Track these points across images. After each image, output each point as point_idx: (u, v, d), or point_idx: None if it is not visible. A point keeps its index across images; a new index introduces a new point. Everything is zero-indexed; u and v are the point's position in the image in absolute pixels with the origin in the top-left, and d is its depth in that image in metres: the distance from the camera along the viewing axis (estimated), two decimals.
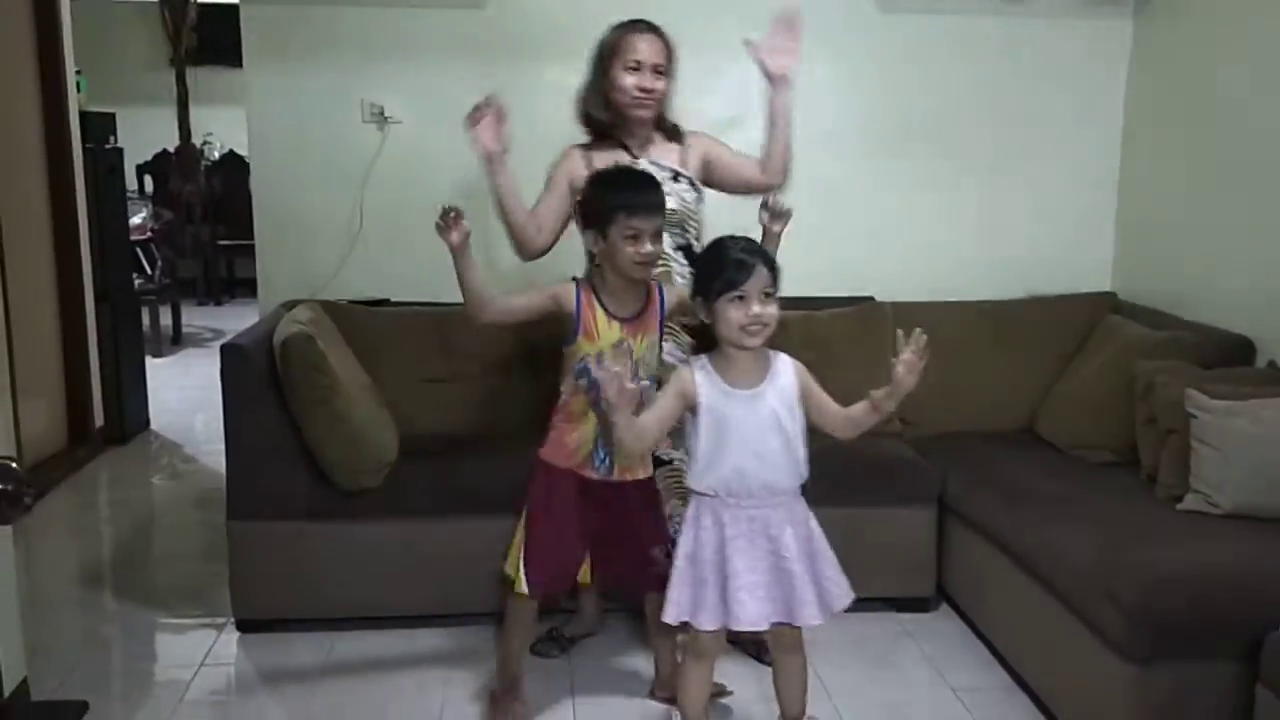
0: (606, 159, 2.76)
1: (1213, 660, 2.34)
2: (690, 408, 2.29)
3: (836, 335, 3.52)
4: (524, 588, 2.63)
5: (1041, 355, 3.62)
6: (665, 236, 2.67)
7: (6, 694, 2.59)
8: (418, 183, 3.61)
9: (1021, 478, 3.11)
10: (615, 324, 2.51)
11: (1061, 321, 3.68)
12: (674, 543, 2.46)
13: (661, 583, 2.51)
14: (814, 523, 2.39)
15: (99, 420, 5.03)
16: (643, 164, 2.77)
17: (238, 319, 6.24)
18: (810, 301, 3.51)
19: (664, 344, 2.72)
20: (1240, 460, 2.69)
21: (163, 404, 5.59)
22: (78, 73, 4.99)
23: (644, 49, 2.75)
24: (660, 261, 2.65)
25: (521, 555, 2.63)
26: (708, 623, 2.31)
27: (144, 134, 8.11)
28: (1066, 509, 2.85)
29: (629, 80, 2.74)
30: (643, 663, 2.96)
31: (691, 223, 2.83)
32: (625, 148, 2.81)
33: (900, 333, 2.27)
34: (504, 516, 2.92)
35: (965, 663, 3.04)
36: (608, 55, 2.77)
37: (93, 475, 4.76)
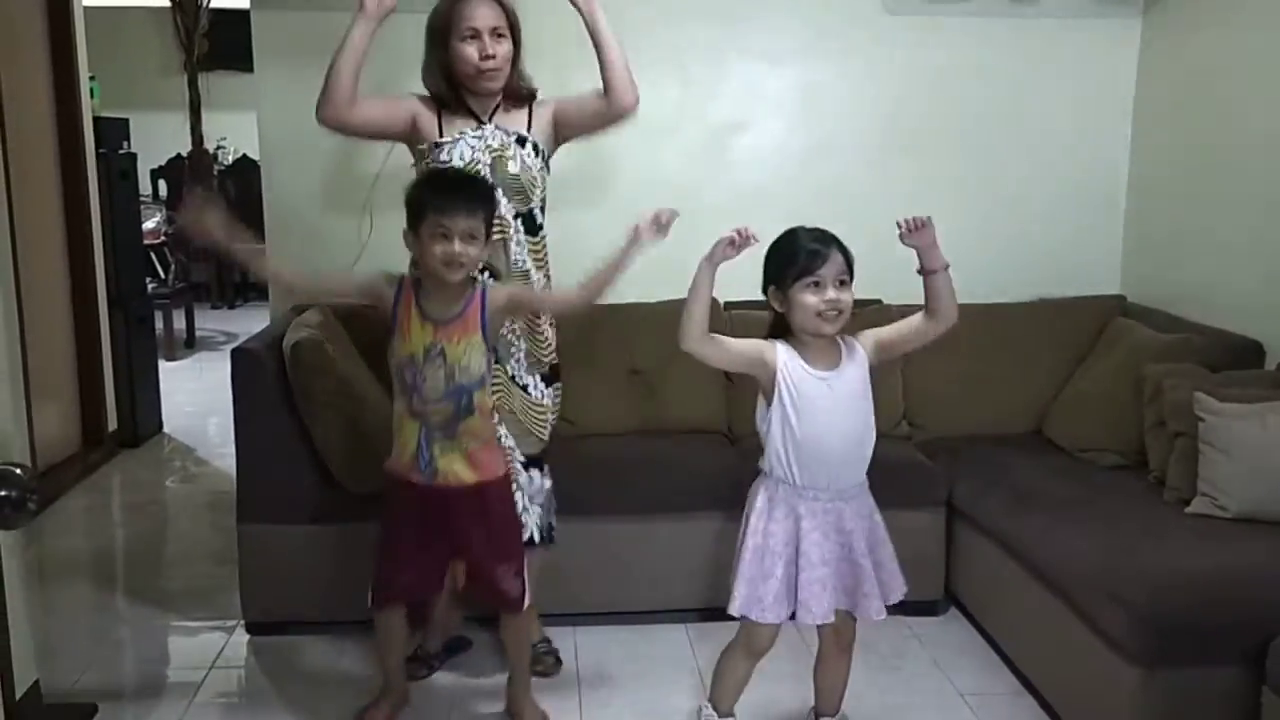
0: (453, 122, 2.72)
1: (1220, 664, 2.33)
2: (766, 386, 2.28)
3: (852, 331, 3.52)
4: (368, 600, 2.61)
5: (1050, 358, 3.61)
6: (505, 203, 2.66)
7: (18, 696, 2.61)
8: None
9: (1029, 481, 3.10)
10: (429, 325, 2.44)
11: (1070, 324, 3.67)
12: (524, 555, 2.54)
13: (511, 603, 2.54)
14: (878, 515, 2.40)
15: (112, 424, 5.06)
16: (489, 129, 2.70)
17: (250, 323, 6.27)
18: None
19: (511, 363, 2.73)
20: (1248, 464, 2.68)
21: (175, 407, 5.62)
22: (91, 78, 5.02)
23: (480, 14, 2.64)
24: (498, 227, 2.61)
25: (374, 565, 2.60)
26: (771, 616, 2.30)
27: (157, 139, 8.15)
28: (1074, 512, 2.84)
29: (469, 50, 2.63)
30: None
31: (535, 190, 2.75)
32: (473, 115, 2.74)
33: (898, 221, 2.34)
34: None
35: (973, 666, 3.03)
36: (444, 27, 2.67)
37: (105, 478, 4.79)
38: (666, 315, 3.49)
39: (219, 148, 8.99)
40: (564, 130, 2.84)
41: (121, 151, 5.30)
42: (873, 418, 2.34)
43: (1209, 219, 3.52)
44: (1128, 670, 2.37)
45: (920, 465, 3.30)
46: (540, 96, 2.83)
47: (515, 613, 2.62)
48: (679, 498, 3.17)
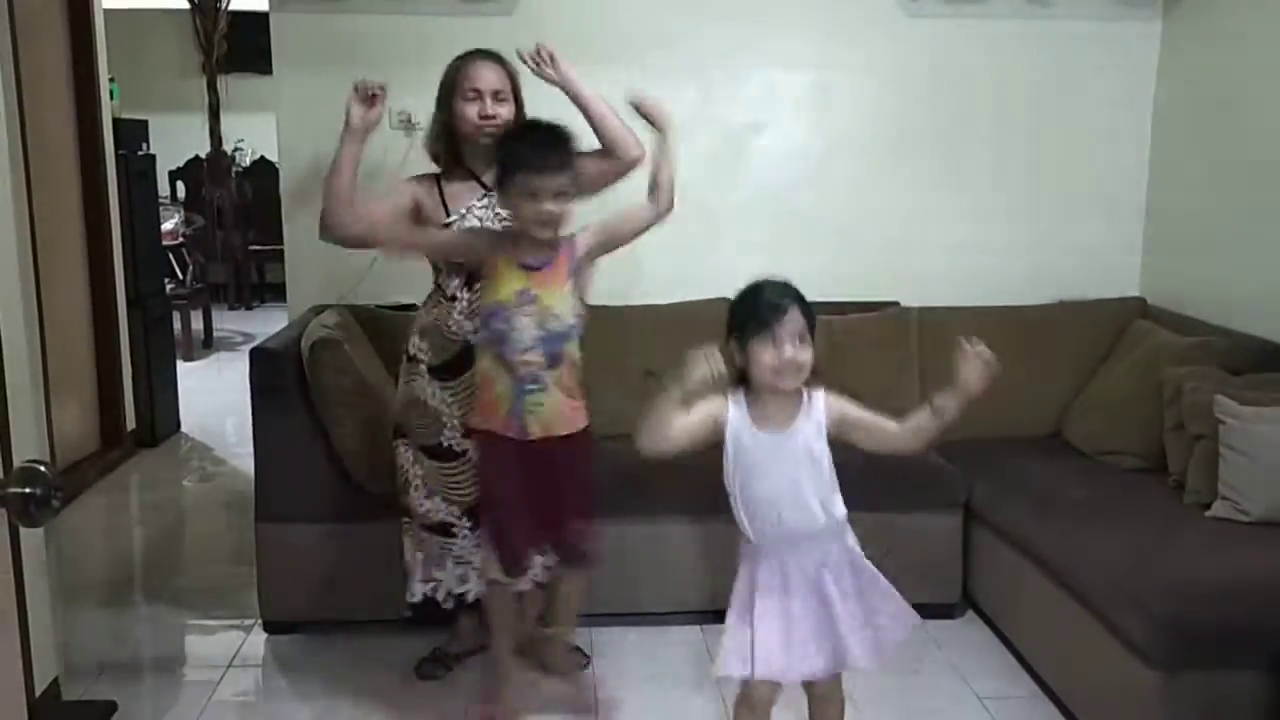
0: (458, 195, 2.74)
1: (1240, 669, 2.32)
2: (720, 437, 2.23)
3: (862, 340, 3.52)
4: (493, 572, 2.61)
5: (1069, 360, 3.60)
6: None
7: (38, 693, 2.62)
8: None
9: (1048, 484, 3.09)
10: (520, 271, 2.47)
11: (1090, 327, 3.66)
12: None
13: (586, 558, 2.55)
14: (860, 559, 2.28)
15: (130, 423, 5.09)
16: (494, 198, 2.69)
17: (268, 323, 6.29)
18: (835, 306, 3.49)
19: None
20: (1269, 467, 2.67)
21: (193, 407, 5.64)
22: (111, 80, 5.06)
23: (483, 77, 2.70)
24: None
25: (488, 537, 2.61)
26: (762, 672, 2.22)
27: (176, 140, 8.21)
28: (1094, 515, 2.83)
29: (470, 109, 2.69)
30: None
31: None
32: (476, 178, 2.76)
33: (961, 340, 2.19)
34: None
35: (991, 670, 3.02)
36: (449, 87, 2.73)
37: (124, 477, 4.81)
38: (681, 316, 3.51)
39: (237, 149, 9.02)
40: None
41: (140, 153, 5.33)
42: (828, 478, 2.23)
43: (1229, 221, 3.50)
44: (1147, 674, 2.36)
45: (938, 468, 3.29)
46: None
47: (588, 568, 2.65)
48: (693, 500, 3.15)
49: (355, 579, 3.13)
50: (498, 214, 2.70)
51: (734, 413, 2.22)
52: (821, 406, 2.23)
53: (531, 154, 2.42)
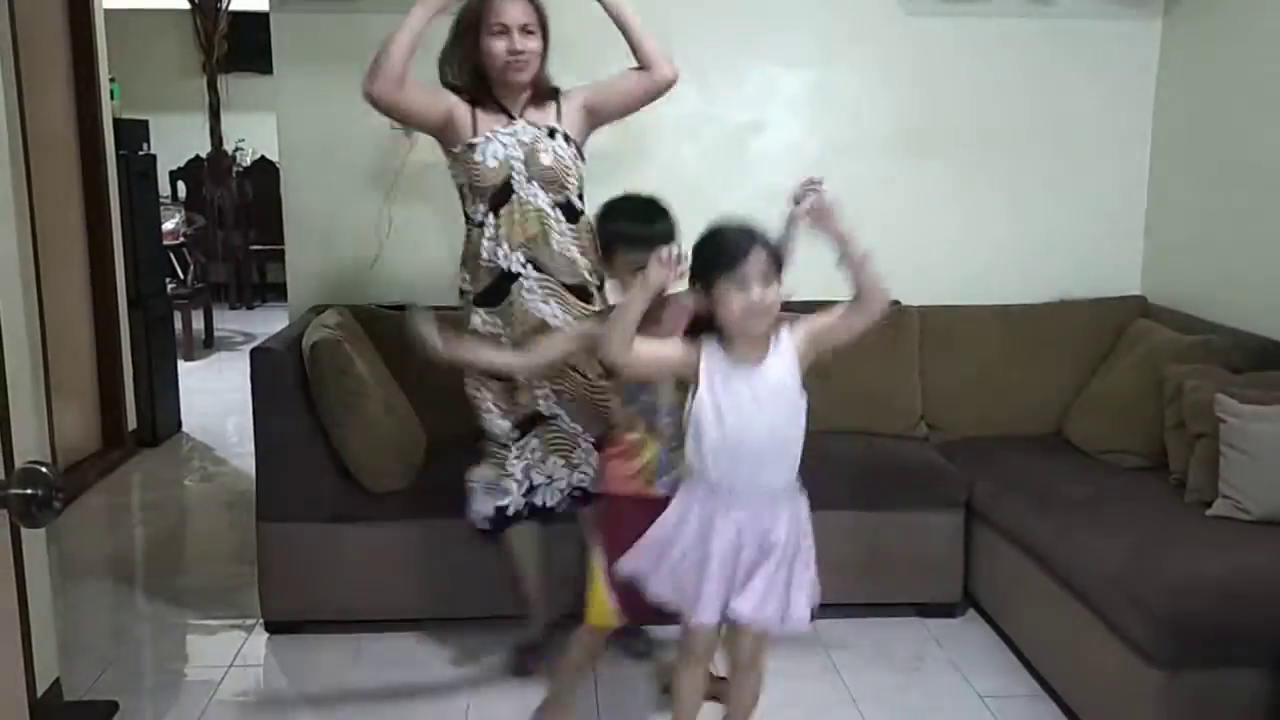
0: (486, 120, 2.74)
1: (1241, 667, 2.32)
2: (688, 378, 2.20)
3: (862, 340, 3.50)
4: (608, 618, 2.50)
5: (1070, 359, 3.60)
6: (541, 194, 2.70)
7: (40, 693, 2.62)
8: (444, 189, 3.62)
9: (1049, 482, 3.09)
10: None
11: (1090, 325, 3.66)
12: None
13: None
14: (807, 524, 2.26)
15: (131, 423, 5.09)
16: (519, 124, 2.74)
17: (268, 323, 6.30)
18: (836, 305, 3.49)
19: (551, 304, 2.73)
20: (1270, 465, 2.67)
21: (194, 407, 5.64)
22: (111, 80, 5.06)
23: (510, 11, 2.67)
24: (536, 215, 2.70)
25: (605, 585, 2.47)
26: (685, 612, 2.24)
27: (176, 140, 8.21)
28: (1094, 514, 2.83)
29: (499, 45, 2.67)
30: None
31: (570, 179, 2.77)
32: (504, 109, 2.76)
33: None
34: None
35: (992, 669, 3.02)
36: (473, 21, 2.71)
37: (125, 477, 4.81)
38: None
39: (238, 149, 9.02)
40: (599, 115, 2.87)
41: (141, 153, 5.33)
42: (800, 421, 2.20)
43: (1230, 220, 3.49)
44: (1148, 673, 2.36)
45: (939, 466, 3.29)
46: (565, 88, 2.85)
47: None
48: None
49: (357, 579, 3.13)
50: (520, 142, 2.72)
51: (708, 355, 2.18)
52: (788, 339, 2.20)
53: (633, 227, 2.44)
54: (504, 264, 2.72)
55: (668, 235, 2.39)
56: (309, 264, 3.74)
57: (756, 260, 2.10)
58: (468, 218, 2.83)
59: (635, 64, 2.81)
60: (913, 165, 3.85)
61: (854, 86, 3.82)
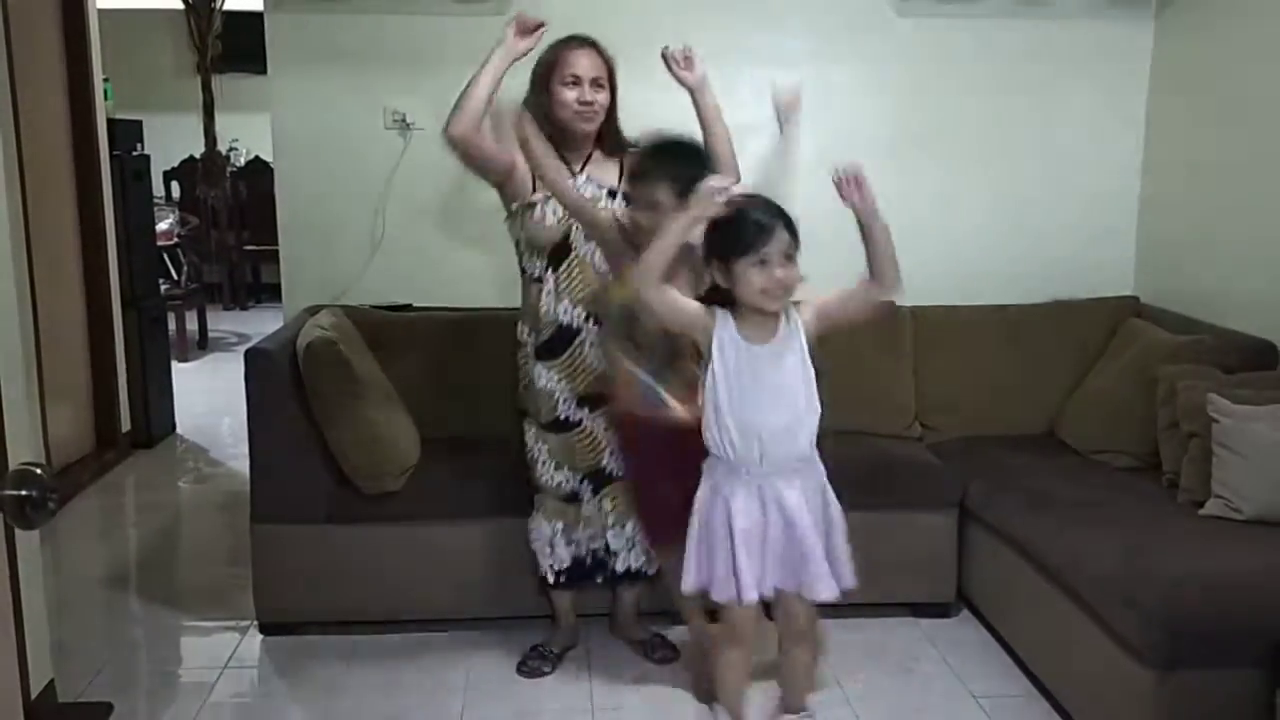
0: None
1: (1234, 667, 2.33)
2: (704, 350, 2.24)
3: (857, 339, 3.51)
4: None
5: (1063, 359, 3.60)
6: (598, 254, 2.75)
7: (34, 695, 2.62)
8: (440, 189, 3.64)
9: (1042, 482, 3.09)
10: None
11: (1083, 325, 3.66)
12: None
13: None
14: (830, 492, 2.33)
15: (126, 424, 5.08)
16: (580, 180, 2.78)
17: (263, 324, 6.29)
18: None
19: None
20: (1263, 465, 2.67)
21: (188, 408, 5.63)
22: (105, 80, 5.04)
23: (582, 63, 2.75)
24: (595, 272, 2.76)
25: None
26: (719, 594, 2.27)
27: (170, 141, 8.18)
28: (1087, 514, 2.84)
29: (569, 95, 2.74)
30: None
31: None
32: (565, 162, 2.79)
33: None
34: (524, 519, 2.95)
35: (986, 669, 3.03)
36: (546, 72, 2.77)
37: (119, 479, 4.81)
38: None
39: (232, 149, 9.01)
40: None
41: (135, 153, 5.32)
42: (814, 390, 2.26)
43: (1222, 220, 3.50)
44: (1141, 672, 2.37)
45: (933, 466, 3.30)
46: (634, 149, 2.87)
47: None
48: None
49: (351, 580, 3.13)
50: (580, 194, 2.75)
51: (721, 326, 2.23)
52: (798, 318, 2.26)
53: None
54: (565, 319, 2.77)
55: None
56: (303, 265, 3.74)
57: (779, 240, 2.17)
58: (524, 272, 2.87)
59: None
60: (906, 166, 3.85)
61: (847, 88, 3.83)
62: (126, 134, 5.24)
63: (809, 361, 2.26)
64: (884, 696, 2.87)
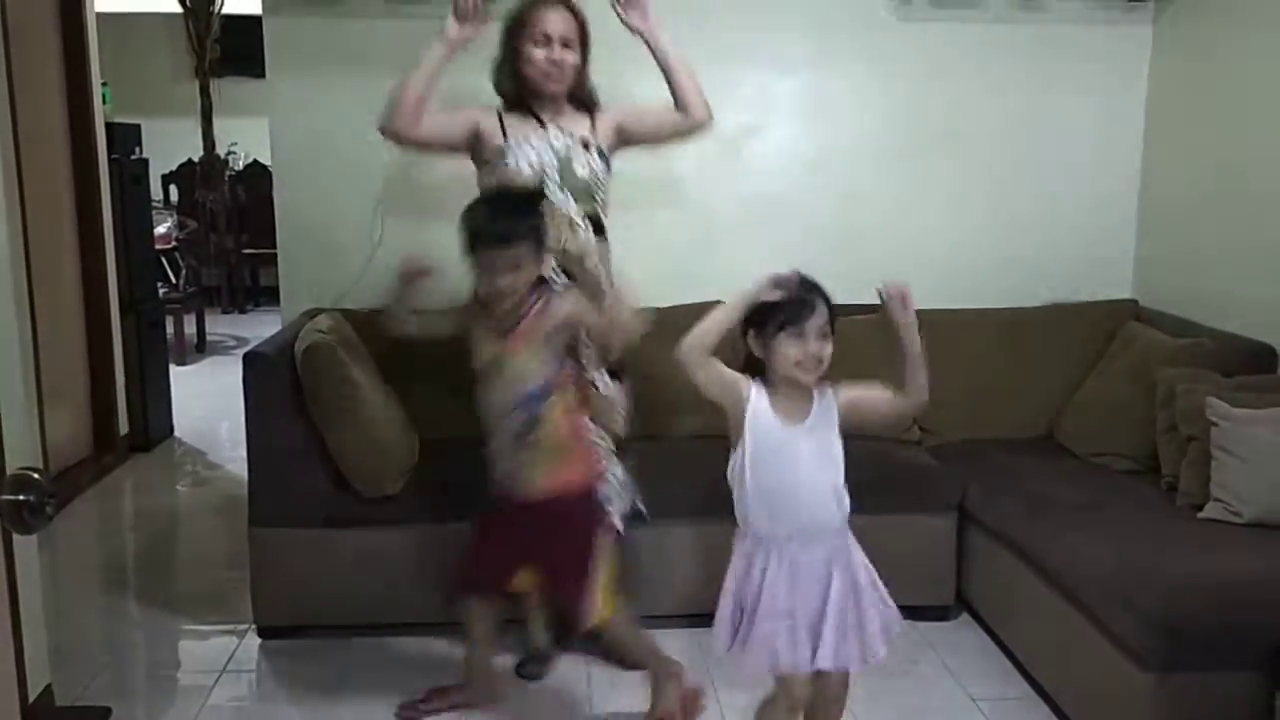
0: (517, 125, 2.77)
1: (1233, 670, 2.33)
2: (735, 426, 2.25)
3: (855, 343, 3.50)
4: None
5: (1062, 362, 3.60)
6: (574, 204, 2.72)
7: (31, 699, 2.61)
8: (437, 192, 3.63)
9: (1042, 486, 3.09)
10: (492, 337, 2.52)
11: (1082, 328, 3.66)
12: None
13: (581, 617, 2.52)
14: (858, 556, 2.32)
15: (124, 428, 5.08)
16: (551, 131, 2.76)
17: (261, 327, 6.28)
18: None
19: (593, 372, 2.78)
20: (1262, 469, 2.67)
21: (187, 411, 5.63)
22: (103, 84, 5.04)
23: (552, 21, 2.71)
24: (568, 223, 2.72)
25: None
26: (776, 665, 2.25)
27: (169, 144, 8.19)
28: (1087, 517, 2.84)
29: (538, 54, 2.71)
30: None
31: (600, 192, 2.81)
32: (536, 116, 2.79)
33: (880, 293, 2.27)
34: None
35: (985, 672, 3.03)
36: (516, 28, 2.75)
37: (117, 482, 4.80)
38: (676, 320, 3.50)
39: (230, 153, 9.01)
40: (627, 137, 2.91)
41: (133, 157, 5.33)
42: (839, 477, 2.27)
43: (1222, 223, 3.51)
44: (1140, 676, 2.37)
45: (932, 469, 3.29)
46: (603, 103, 2.88)
47: (578, 632, 2.63)
48: (690, 503, 3.16)
49: (349, 584, 3.12)
50: (553, 148, 2.74)
51: (756, 396, 2.24)
52: (832, 398, 2.28)
53: (483, 229, 2.48)
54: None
55: (510, 234, 2.46)
56: (302, 268, 3.74)
57: (818, 316, 2.20)
58: None
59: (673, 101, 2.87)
60: (905, 169, 3.86)
61: (847, 91, 3.83)
62: (125, 138, 5.24)
63: (838, 445, 2.27)
64: (883, 700, 2.86)
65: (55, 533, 3.96)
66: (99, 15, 4.98)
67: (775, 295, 2.19)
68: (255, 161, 8.71)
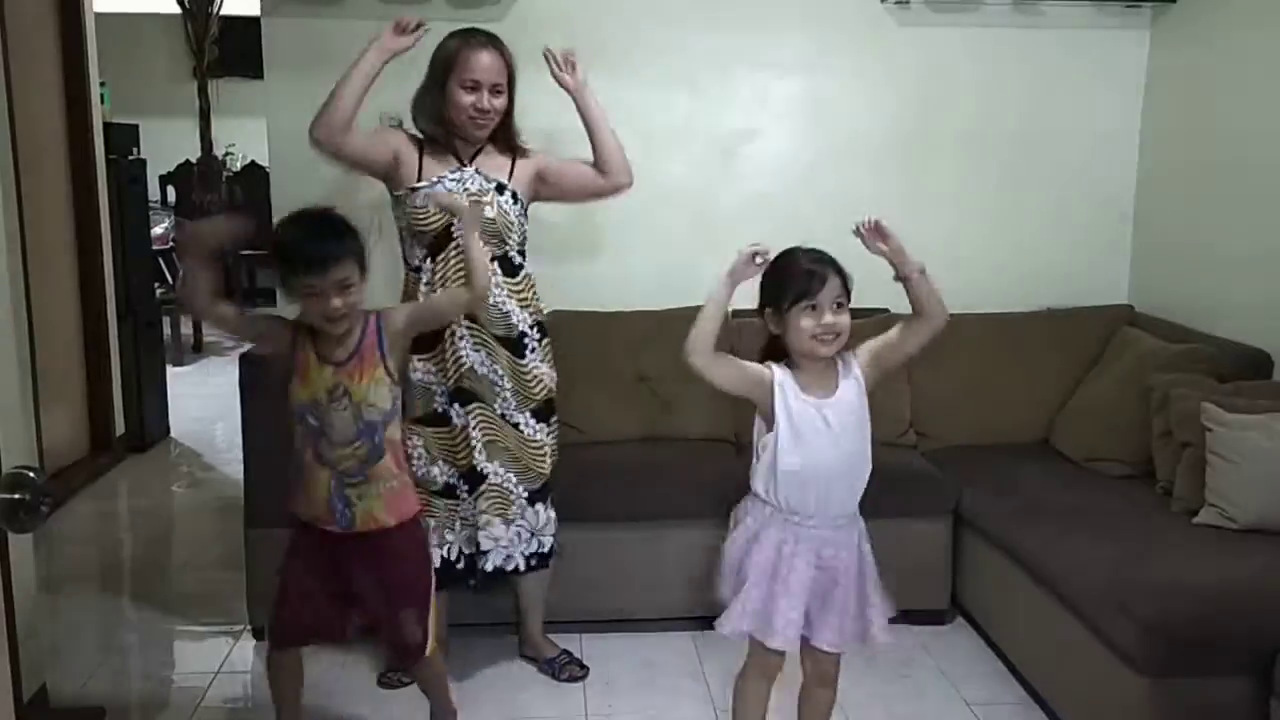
0: (433, 164, 2.75)
1: (1227, 675, 2.33)
2: (764, 411, 2.24)
3: (852, 347, 3.52)
4: (266, 635, 2.49)
5: (1057, 368, 3.61)
6: (482, 247, 2.59)
7: (26, 700, 2.61)
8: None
9: (1037, 490, 3.10)
10: (327, 367, 2.34)
11: (1077, 334, 3.67)
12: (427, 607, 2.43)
13: (411, 651, 2.43)
14: (866, 544, 2.33)
15: (120, 428, 5.08)
16: (469, 172, 2.75)
17: None
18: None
19: (498, 402, 2.75)
20: (1256, 474, 2.68)
21: (183, 412, 5.63)
22: (101, 85, 5.05)
23: (483, 65, 2.69)
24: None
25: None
26: (760, 633, 2.26)
27: (166, 145, 8.20)
28: (1082, 522, 2.84)
29: (466, 99, 2.69)
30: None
31: (512, 235, 2.78)
32: (455, 155, 2.78)
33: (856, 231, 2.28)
34: None
35: (980, 676, 3.03)
36: (445, 69, 2.72)
37: (113, 483, 4.80)
38: (673, 323, 3.50)
39: (228, 154, 9.01)
40: (546, 188, 2.88)
41: (131, 157, 5.33)
42: (869, 446, 2.28)
43: (1217, 229, 3.51)
44: (1135, 680, 2.37)
45: (927, 474, 3.30)
46: (530, 150, 2.87)
47: (414, 662, 2.51)
48: (686, 505, 3.16)
49: None
50: (466, 191, 2.72)
51: (781, 380, 2.23)
52: (856, 367, 2.28)
53: (304, 250, 2.25)
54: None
55: (339, 251, 2.27)
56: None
57: (831, 287, 2.19)
58: (405, 262, 2.83)
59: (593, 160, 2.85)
60: (901, 175, 3.87)
61: (845, 95, 3.84)
62: (123, 138, 5.24)
63: (866, 416, 2.27)
64: (878, 704, 2.86)
65: (51, 533, 3.96)
66: (97, 16, 4.99)
67: (756, 267, 2.19)
68: (253, 162, 8.71)
